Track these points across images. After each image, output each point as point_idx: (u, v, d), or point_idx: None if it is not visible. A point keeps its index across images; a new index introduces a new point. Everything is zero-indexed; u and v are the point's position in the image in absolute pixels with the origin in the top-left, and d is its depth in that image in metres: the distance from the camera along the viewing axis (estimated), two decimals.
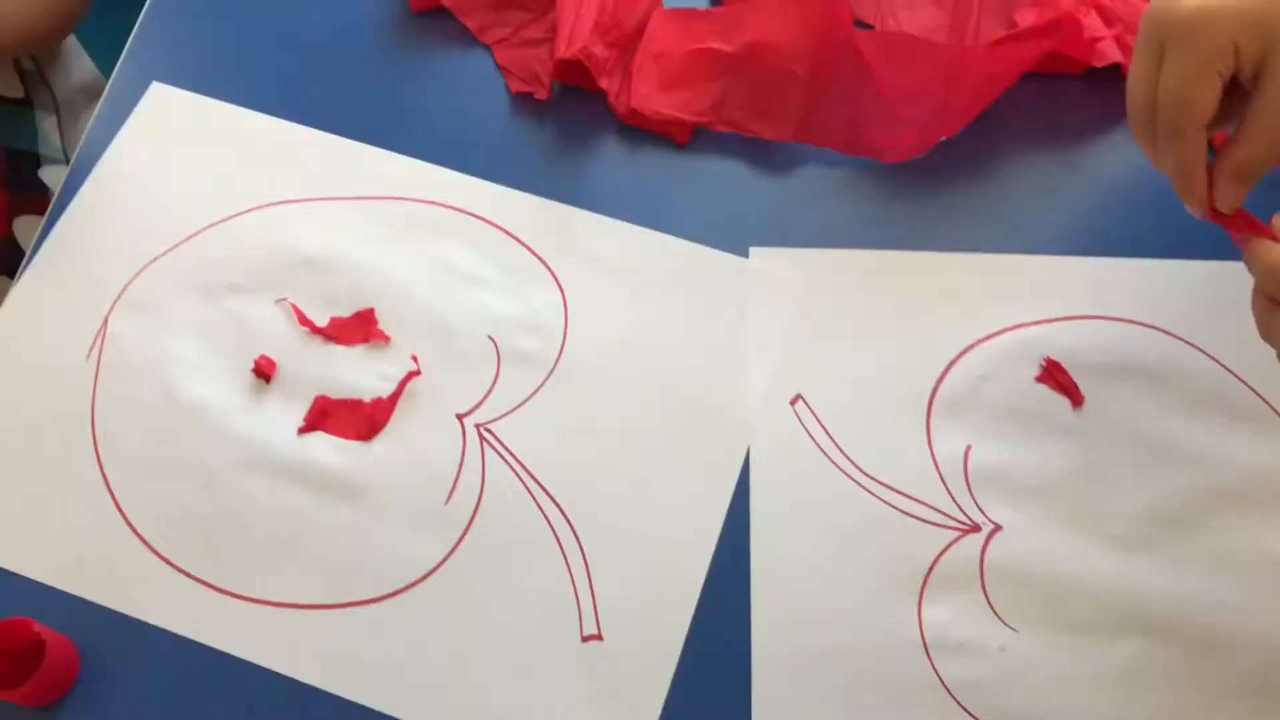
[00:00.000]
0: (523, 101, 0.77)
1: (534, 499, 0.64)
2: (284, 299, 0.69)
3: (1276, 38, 0.47)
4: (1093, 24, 0.74)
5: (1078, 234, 0.72)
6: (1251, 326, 0.52)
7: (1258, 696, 0.58)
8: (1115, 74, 0.75)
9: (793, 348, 0.68)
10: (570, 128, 0.76)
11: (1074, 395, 0.66)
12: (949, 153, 0.74)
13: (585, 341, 0.68)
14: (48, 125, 0.91)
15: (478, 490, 0.64)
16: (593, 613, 0.61)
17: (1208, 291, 0.68)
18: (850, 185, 0.74)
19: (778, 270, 0.70)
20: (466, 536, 0.63)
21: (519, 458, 0.65)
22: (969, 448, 0.64)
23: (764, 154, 0.75)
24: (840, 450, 0.65)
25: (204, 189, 0.73)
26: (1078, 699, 0.58)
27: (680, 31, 0.76)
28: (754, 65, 0.75)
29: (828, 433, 0.65)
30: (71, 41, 0.97)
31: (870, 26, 0.79)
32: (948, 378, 0.66)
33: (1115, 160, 0.74)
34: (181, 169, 0.74)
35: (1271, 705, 0.58)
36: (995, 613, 0.60)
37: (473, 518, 0.63)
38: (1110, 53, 0.74)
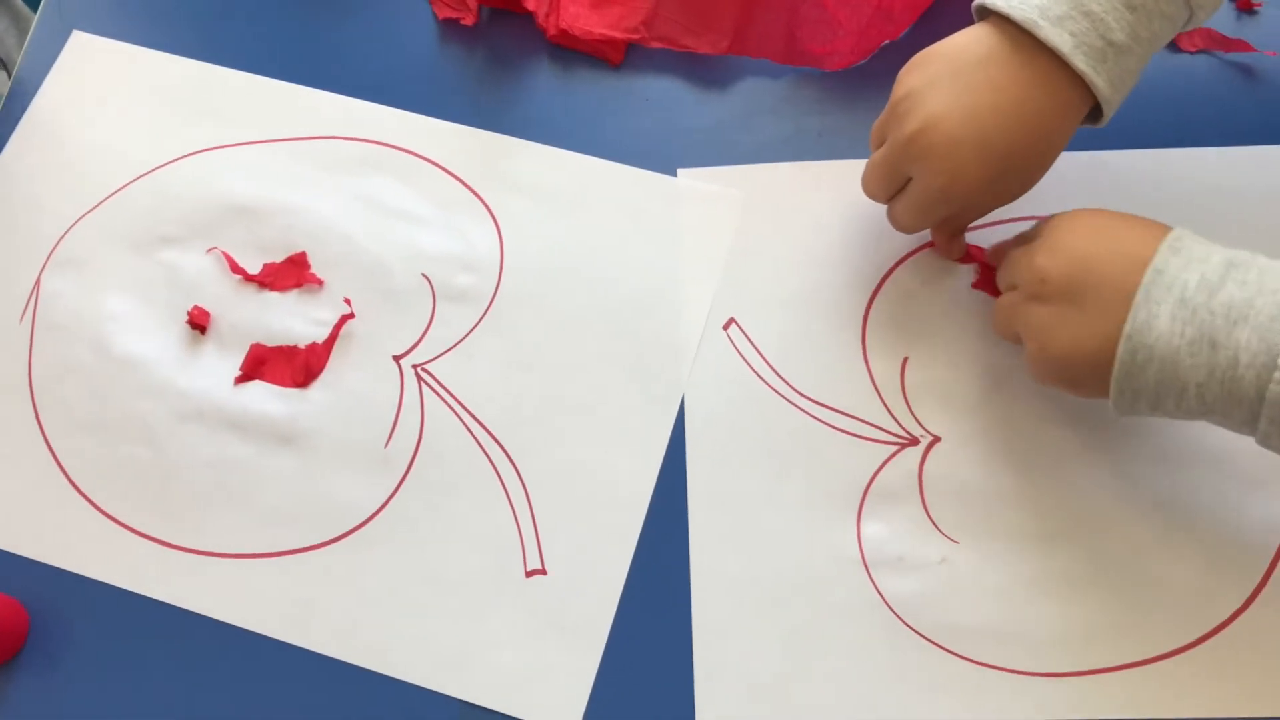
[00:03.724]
0: (450, 29, 0.75)
1: (474, 437, 0.64)
2: (215, 248, 0.69)
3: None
4: None
5: None
6: None
7: (1199, 594, 0.58)
8: None
9: (725, 270, 0.67)
10: (500, 53, 0.74)
11: None
12: (892, 57, 0.71)
13: (521, 275, 0.67)
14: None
15: (417, 431, 0.64)
16: (536, 548, 0.61)
17: (1131, 184, 0.66)
18: (791, 97, 0.72)
19: (709, 189, 0.69)
20: (407, 478, 0.63)
21: (457, 396, 0.64)
22: (905, 360, 0.64)
23: (701, 69, 0.73)
24: (775, 372, 0.64)
25: (130, 140, 0.72)
26: (1018, 607, 0.58)
27: None
28: None
29: (762, 355, 0.64)
30: None
31: None
32: (883, 289, 0.65)
33: None
34: (106, 120, 0.73)
35: (1210, 606, 0.58)
36: (935, 525, 0.60)
37: (413, 459, 0.63)
38: None
